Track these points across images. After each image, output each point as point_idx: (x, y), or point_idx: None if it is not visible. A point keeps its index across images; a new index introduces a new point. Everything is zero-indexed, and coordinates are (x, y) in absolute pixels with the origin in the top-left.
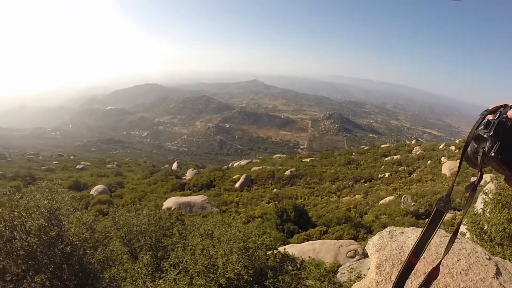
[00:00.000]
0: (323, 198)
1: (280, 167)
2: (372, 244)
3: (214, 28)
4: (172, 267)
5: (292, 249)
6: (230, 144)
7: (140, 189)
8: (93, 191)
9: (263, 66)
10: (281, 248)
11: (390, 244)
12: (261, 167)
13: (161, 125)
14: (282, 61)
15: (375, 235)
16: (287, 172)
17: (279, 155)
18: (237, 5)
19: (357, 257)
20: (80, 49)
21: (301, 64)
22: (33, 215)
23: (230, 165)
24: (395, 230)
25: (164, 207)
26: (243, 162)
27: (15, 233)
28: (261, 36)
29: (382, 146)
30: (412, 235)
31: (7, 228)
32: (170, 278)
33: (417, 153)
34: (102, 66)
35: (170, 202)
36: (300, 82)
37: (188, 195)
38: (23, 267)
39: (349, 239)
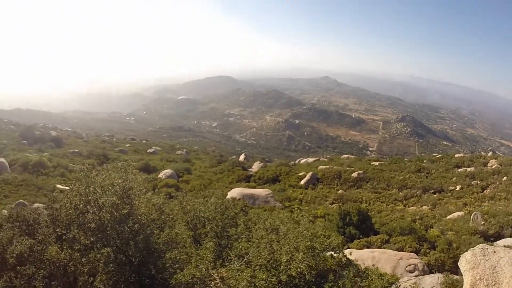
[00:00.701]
0: (388, 205)
1: (347, 168)
2: (465, 261)
3: (289, 23)
4: (236, 257)
5: (350, 255)
6: (299, 140)
7: (207, 177)
8: (161, 175)
9: (335, 63)
10: (346, 252)
11: (483, 263)
12: (328, 166)
13: (231, 117)
14: (355, 58)
15: (467, 251)
16: (354, 174)
17: (347, 155)
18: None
19: (416, 272)
20: (161, 40)
21: (374, 62)
22: (107, 192)
23: (297, 161)
24: (487, 249)
25: (228, 196)
26: (310, 159)
27: (89, 207)
28: (335, 31)
29: (456, 155)
30: (504, 255)
31: (82, 202)
32: (233, 268)
33: (493, 167)
34: (177, 56)
35: (235, 192)
36: (373, 81)
37: (252, 187)
38: (92, 239)
39: (410, 252)
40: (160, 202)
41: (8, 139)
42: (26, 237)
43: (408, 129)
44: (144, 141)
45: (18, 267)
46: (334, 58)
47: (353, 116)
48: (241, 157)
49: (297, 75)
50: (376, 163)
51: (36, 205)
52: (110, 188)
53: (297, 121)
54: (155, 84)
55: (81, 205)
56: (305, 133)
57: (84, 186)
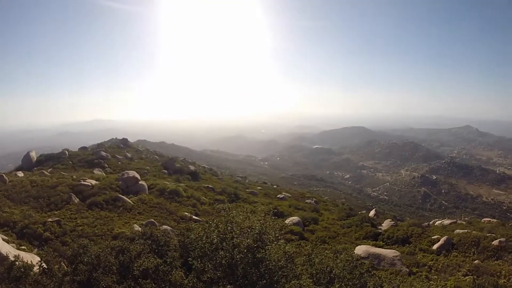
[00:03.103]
0: None
1: (487, 234)
2: None
3: (422, 71)
4: None
5: None
6: (435, 198)
7: (333, 230)
8: (288, 221)
9: (477, 109)
10: None
11: None
12: (465, 230)
13: (364, 169)
14: (499, 104)
15: None
16: (495, 242)
17: (488, 218)
18: (454, 47)
19: None
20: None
21: None
22: (244, 233)
23: (431, 222)
24: None
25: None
26: (446, 221)
27: (224, 244)
28: (476, 75)
29: None
30: None
31: (218, 238)
32: None
33: None
34: (313, 105)
35: (360, 249)
36: None
37: (380, 247)
38: (219, 274)
39: None
40: (292, 251)
41: (151, 167)
42: (155, 256)
43: None
44: (275, 186)
45: (140, 279)
46: (475, 105)
47: (498, 171)
48: (371, 213)
49: (436, 124)
50: None
51: (164, 227)
52: (249, 230)
53: (434, 177)
54: (292, 132)
55: (216, 240)
56: (442, 191)
57: (223, 223)
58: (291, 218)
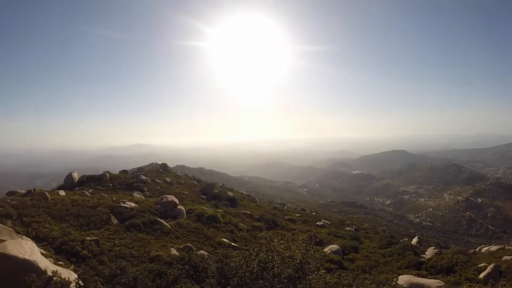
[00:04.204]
0: None
1: None
2: None
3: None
4: None
5: None
6: (481, 223)
7: (374, 258)
8: (327, 249)
9: None
10: None
11: None
12: None
13: (406, 194)
14: None
15: None
16: None
17: None
18: (489, 60)
19: None
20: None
21: None
22: (286, 263)
23: (477, 249)
24: None
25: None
26: (494, 247)
27: (264, 273)
28: None
29: None
30: None
31: (259, 267)
32: None
33: None
34: (350, 129)
35: (403, 280)
36: None
37: (423, 276)
38: None
39: None
40: (333, 282)
41: (190, 192)
42: (192, 281)
43: None
44: (314, 213)
45: None
46: None
47: None
48: (414, 240)
49: (479, 144)
50: None
51: (201, 252)
52: (290, 260)
53: (479, 200)
54: (330, 158)
55: (257, 269)
56: (489, 214)
57: (264, 251)
58: (330, 246)
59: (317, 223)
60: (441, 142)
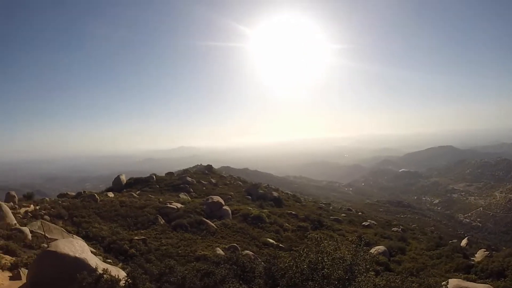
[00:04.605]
0: None
1: None
2: None
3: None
4: None
5: None
6: None
7: (421, 261)
8: (373, 250)
9: None
10: None
11: None
12: None
13: (455, 193)
14: None
15: None
16: None
17: None
18: None
19: None
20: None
21: None
22: (336, 264)
23: None
24: None
25: None
26: None
27: (314, 274)
28: None
29: None
30: None
31: (309, 269)
32: None
33: None
34: (395, 126)
35: (451, 284)
36: None
37: (472, 281)
38: None
39: None
40: (382, 284)
41: (235, 192)
42: (240, 281)
43: None
44: (360, 213)
45: None
46: None
47: None
48: (463, 242)
49: None
50: None
51: (246, 252)
52: (341, 261)
53: None
54: (374, 156)
55: (307, 271)
56: None
57: (314, 253)
58: (376, 247)
59: (363, 223)
60: (489, 136)
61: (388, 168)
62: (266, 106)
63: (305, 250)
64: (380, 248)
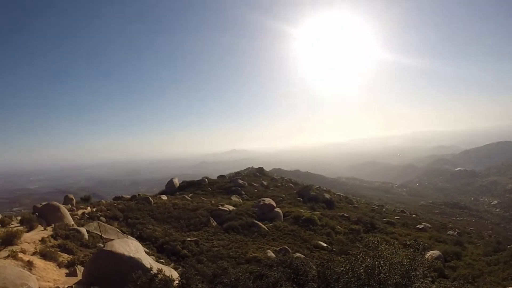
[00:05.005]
0: None
1: None
2: None
3: None
4: None
5: None
6: None
7: (477, 267)
8: (427, 255)
9: None
10: None
11: None
12: None
13: None
14: None
15: None
16: None
17: None
18: None
19: None
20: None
21: None
22: (393, 269)
23: None
24: None
25: None
26: None
27: (371, 280)
28: None
29: None
30: None
31: (366, 274)
32: None
33: None
34: (451, 122)
35: None
36: None
37: None
38: None
39: None
40: None
41: (286, 194)
42: (294, 285)
43: None
44: (414, 215)
45: None
46: None
47: None
48: None
49: None
50: None
51: (297, 254)
52: (399, 266)
53: None
54: (430, 155)
55: (364, 276)
56: None
57: (371, 257)
58: (431, 252)
59: (417, 226)
60: None
61: (444, 167)
62: (314, 108)
63: (362, 254)
64: (435, 253)
